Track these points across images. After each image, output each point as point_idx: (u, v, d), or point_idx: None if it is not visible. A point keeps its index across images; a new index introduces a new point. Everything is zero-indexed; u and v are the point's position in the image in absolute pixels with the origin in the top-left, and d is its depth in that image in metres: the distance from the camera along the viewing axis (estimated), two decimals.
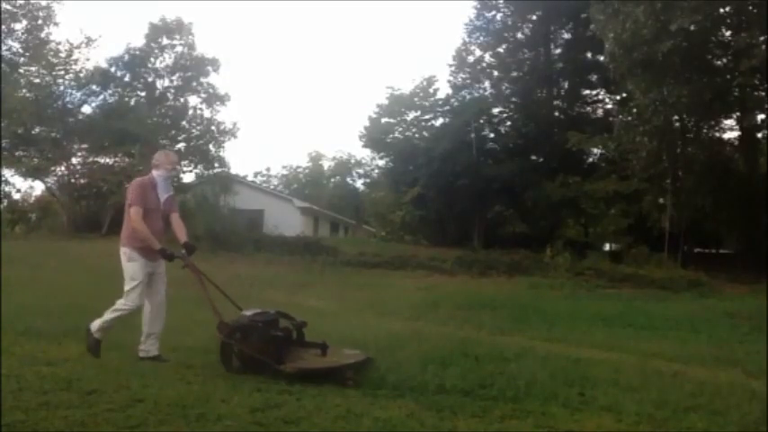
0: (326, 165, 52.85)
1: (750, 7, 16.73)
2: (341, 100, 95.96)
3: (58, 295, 8.79)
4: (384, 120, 29.53)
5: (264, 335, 4.55)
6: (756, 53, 15.74)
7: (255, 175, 50.26)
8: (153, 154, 5.37)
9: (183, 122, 30.16)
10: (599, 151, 24.85)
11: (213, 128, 30.44)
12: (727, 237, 22.82)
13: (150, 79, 29.64)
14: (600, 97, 27.18)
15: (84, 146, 27.05)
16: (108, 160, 26.39)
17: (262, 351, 4.44)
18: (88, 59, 27.79)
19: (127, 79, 29.17)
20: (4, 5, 24.87)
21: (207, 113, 30.49)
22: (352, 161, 49.95)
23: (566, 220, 26.52)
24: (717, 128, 20.42)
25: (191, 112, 30.33)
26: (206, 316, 7.57)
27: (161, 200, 5.06)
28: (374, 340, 4.91)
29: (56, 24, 26.57)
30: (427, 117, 28.88)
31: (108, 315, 4.90)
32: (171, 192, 5.21)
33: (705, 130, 19.98)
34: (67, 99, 27.24)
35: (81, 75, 26.66)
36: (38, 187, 31.07)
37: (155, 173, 5.12)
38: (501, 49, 27.70)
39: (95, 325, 4.93)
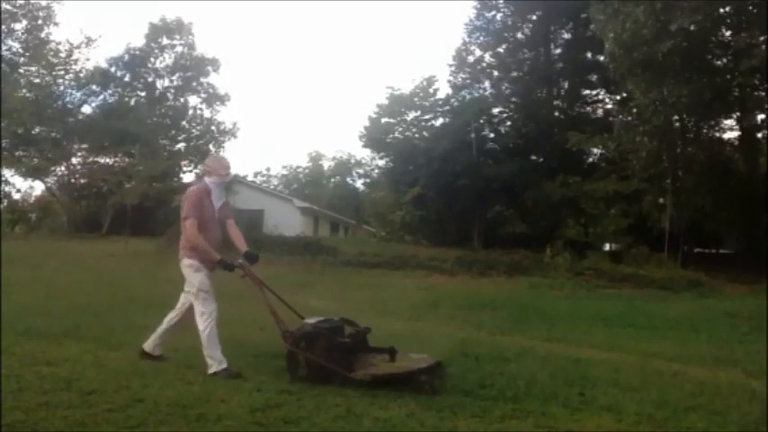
0: (326, 165, 52.91)
1: (750, 7, 16.72)
2: (341, 100, 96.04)
3: (58, 295, 8.78)
4: (384, 120, 29.52)
5: (332, 342, 4.45)
6: (756, 53, 15.73)
7: (255, 175, 50.32)
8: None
9: (183, 122, 30.19)
10: (599, 151, 24.83)
11: (213, 128, 30.49)
12: (727, 237, 22.81)
13: (150, 79, 29.67)
14: (600, 97, 27.18)
15: (84, 146, 27.11)
16: (108, 160, 26.46)
17: (330, 359, 4.35)
18: (88, 59, 27.96)
19: (127, 79, 29.21)
20: (4, 5, 24.90)
21: (207, 113, 30.58)
22: (352, 161, 49.99)
23: (566, 220, 26.52)
24: (717, 128, 20.40)
25: (191, 112, 30.39)
26: None
27: (215, 207, 4.88)
28: (374, 340, 4.90)
29: (56, 24, 26.65)
30: (427, 117, 28.88)
31: (203, 336, 4.65)
32: (224, 198, 5.04)
33: (705, 130, 19.96)
34: (67, 99, 27.34)
35: (81, 75, 26.74)
36: (38, 187, 31.19)
37: (207, 180, 4.91)
38: (501, 49, 27.69)
39: (206, 350, 4.63)
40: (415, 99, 29.16)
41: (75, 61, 26.19)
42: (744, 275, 16.06)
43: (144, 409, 3.57)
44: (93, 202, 27.00)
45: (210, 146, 30.46)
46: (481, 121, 25.70)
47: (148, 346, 4.92)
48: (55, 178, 27.03)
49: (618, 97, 22.89)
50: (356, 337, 4.72)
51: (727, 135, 20.95)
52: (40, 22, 26.21)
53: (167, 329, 4.93)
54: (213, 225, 4.81)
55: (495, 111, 27.20)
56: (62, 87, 26.71)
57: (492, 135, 26.83)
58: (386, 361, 4.55)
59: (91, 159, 27.12)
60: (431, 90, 29.21)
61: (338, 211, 39.17)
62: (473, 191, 23.56)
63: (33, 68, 25.80)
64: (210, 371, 4.54)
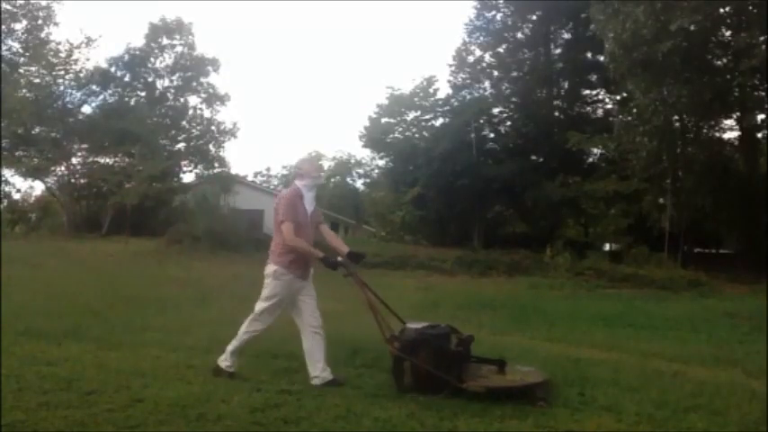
0: (326, 165, 52.89)
1: (750, 7, 16.71)
2: (341, 100, 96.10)
3: (58, 295, 8.78)
4: (384, 120, 29.52)
5: (444, 350, 4.22)
6: (756, 53, 15.73)
7: (255, 175, 50.40)
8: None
9: (183, 122, 30.21)
10: (599, 151, 24.85)
11: (213, 128, 30.50)
12: (727, 237, 22.81)
13: (150, 79, 29.68)
14: (600, 97, 27.19)
15: (84, 146, 27.10)
16: (108, 160, 26.45)
17: (441, 368, 4.11)
18: (88, 59, 27.88)
19: (127, 79, 29.21)
20: (4, 5, 24.89)
21: (207, 113, 30.59)
22: (352, 161, 50.01)
23: (566, 220, 26.52)
24: (717, 128, 20.40)
25: (191, 112, 30.40)
26: (206, 316, 7.60)
27: (309, 211, 4.68)
28: (374, 340, 4.90)
29: (56, 24, 26.60)
30: (427, 117, 28.88)
31: (239, 338, 4.56)
32: (315, 201, 4.81)
33: (705, 130, 19.96)
34: (67, 99, 27.34)
35: (81, 75, 26.73)
36: (38, 187, 31.20)
37: (299, 183, 4.71)
38: (501, 49, 27.70)
39: (227, 353, 4.55)
40: (415, 99, 29.15)
41: (75, 61, 26.20)
42: (744, 275, 16.06)
43: (144, 409, 3.57)
44: (93, 202, 26.99)
45: (210, 146, 30.50)
46: (481, 121, 25.70)
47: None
48: (55, 178, 27.03)
49: (618, 97, 22.90)
50: (464, 345, 4.44)
51: (727, 135, 20.99)
52: (40, 22, 26.19)
53: (311, 346, 4.56)
54: (307, 230, 4.63)
55: (495, 111, 27.22)
56: (62, 87, 26.73)
57: (492, 135, 26.84)
58: (494, 372, 4.33)
59: (91, 159, 27.12)
60: (431, 90, 29.22)
61: (338, 211, 39.16)
62: (473, 191, 23.56)
63: (33, 68, 25.78)
64: (218, 362, 4.55)
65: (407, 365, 4.19)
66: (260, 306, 4.59)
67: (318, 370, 4.42)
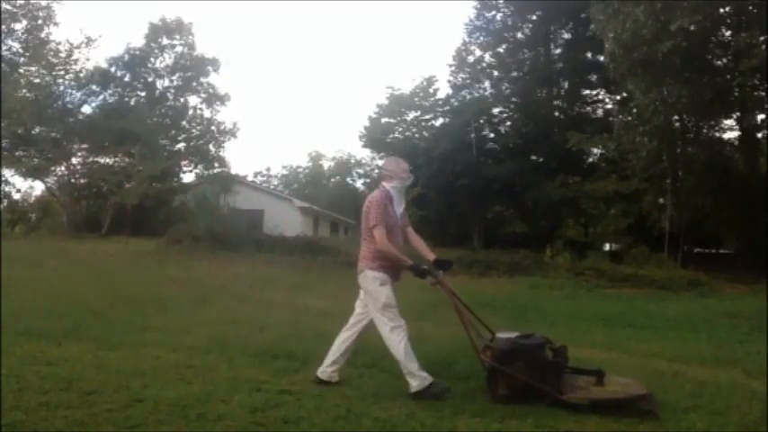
0: (326, 165, 52.86)
1: (750, 7, 16.71)
2: (341, 100, 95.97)
3: (58, 295, 8.77)
4: (384, 120, 29.53)
5: (542, 360, 4.08)
6: (756, 53, 15.73)
7: (255, 175, 50.27)
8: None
9: (183, 122, 30.23)
10: (599, 151, 24.88)
11: (213, 128, 30.54)
12: (727, 237, 22.84)
13: (150, 79, 29.70)
14: (600, 97, 27.25)
15: (84, 146, 27.12)
16: (108, 160, 26.46)
17: (540, 379, 3.98)
18: (88, 59, 27.93)
19: (127, 79, 29.24)
20: (4, 5, 24.88)
21: (207, 113, 30.63)
22: (352, 161, 49.98)
23: (566, 220, 26.55)
24: (717, 128, 20.43)
25: (191, 112, 30.44)
26: (206, 316, 7.60)
27: (398, 214, 4.52)
28: (375, 341, 4.89)
29: (56, 24, 26.59)
30: (427, 117, 28.90)
31: (398, 352, 4.22)
32: (403, 204, 4.65)
33: (705, 130, 19.97)
34: (67, 99, 27.37)
35: (81, 75, 26.75)
36: (38, 187, 31.24)
37: (388, 185, 4.56)
38: (501, 49, 27.74)
39: (405, 367, 4.19)
40: (415, 99, 29.17)
41: (75, 61, 26.22)
42: (744, 275, 16.06)
43: (144, 409, 3.57)
44: (93, 202, 27.02)
45: (210, 146, 30.52)
46: (481, 121, 25.72)
47: (324, 373, 4.38)
48: (55, 178, 27.05)
49: (618, 97, 22.91)
50: (561, 355, 4.25)
51: (727, 135, 21.03)
52: (40, 22, 26.19)
53: (344, 351, 4.45)
54: (396, 233, 4.45)
55: (495, 111, 27.26)
56: (62, 87, 26.76)
57: (492, 135, 26.86)
58: (593, 383, 4.10)
59: (91, 159, 27.14)
60: (431, 90, 29.24)
61: (338, 211, 39.14)
62: (473, 191, 23.57)
63: (33, 68, 25.79)
64: (412, 390, 4.11)
65: (502, 376, 4.04)
66: (383, 319, 4.30)
67: (327, 364, 4.37)
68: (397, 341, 4.22)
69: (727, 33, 18.12)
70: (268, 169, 55.16)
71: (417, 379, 4.11)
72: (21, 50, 26.43)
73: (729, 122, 20.40)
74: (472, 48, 28.52)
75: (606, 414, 3.83)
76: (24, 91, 24.95)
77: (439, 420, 3.63)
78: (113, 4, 63.13)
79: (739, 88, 17.92)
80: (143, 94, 29.61)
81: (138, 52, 28.90)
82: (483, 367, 4.22)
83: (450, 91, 28.79)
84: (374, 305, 4.36)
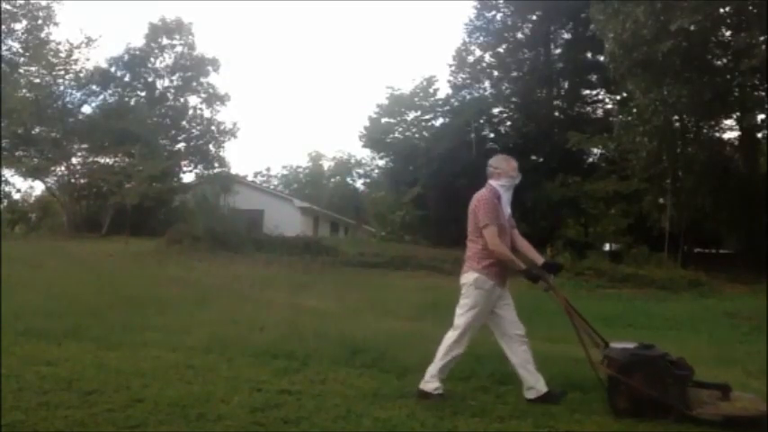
0: (326, 165, 52.93)
1: (750, 7, 16.70)
2: (341, 100, 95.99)
3: (58, 295, 8.77)
4: (384, 120, 29.49)
5: (667, 373, 3.87)
6: (756, 53, 15.72)
7: (255, 175, 50.28)
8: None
9: (183, 122, 30.21)
10: (599, 151, 24.87)
11: (213, 128, 30.51)
12: (727, 237, 22.81)
13: (150, 79, 29.68)
14: (600, 97, 27.19)
15: (84, 146, 27.11)
16: (108, 160, 26.44)
17: (666, 393, 3.81)
18: (88, 59, 27.90)
19: (127, 79, 29.22)
20: (4, 5, 24.88)
21: (207, 113, 30.60)
22: (352, 161, 49.98)
23: (566, 220, 26.51)
24: (717, 128, 20.41)
25: (191, 112, 30.41)
26: (206, 316, 7.59)
27: (507, 214, 4.40)
28: (375, 341, 4.90)
29: (56, 24, 26.56)
30: (427, 117, 28.85)
31: (442, 357, 4.14)
32: (510, 203, 4.49)
33: (705, 130, 19.96)
34: (67, 99, 27.36)
35: (81, 75, 26.74)
36: (38, 187, 31.20)
37: (495, 183, 4.48)
38: (501, 49, 27.69)
39: (431, 375, 4.09)
40: (415, 99, 29.12)
41: (75, 61, 26.19)
42: (744, 275, 16.06)
43: (144, 409, 3.57)
44: (93, 202, 27.00)
45: (210, 146, 30.52)
46: (481, 121, 25.70)
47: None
48: (55, 178, 27.03)
49: (618, 97, 22.90)
50: (685, 368, 4.05)
51: (727, 135, 21.00)
52: (40, 22, 26.18)
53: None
54: (505, 234, 4.30)
55: (495, 111, 27.22)
56: (62, 87, 26.73)
57: (492, 135, 26.83)
58: (718, 398, 3.90)
59: (91, 159, 27.11)
60: (431, 90, 29.18)
61: (338, 211, 39.16)
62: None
63: (33, 68, 25.77)
64: (422, 390, 4.04)
65: (627, 388, 3.88)
66: (461, 320, 4.19)
67: (533, 381, 4.10)
68: (449, 347, 4.13)
69: (728, 33, 18.10)
70: (268, 169, 55.24)
71: (434, 383, 4.06)
72: (21, 50, 26.43)
73: (729, 122, 20.40)
74: (472, 48, 28.49)
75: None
76: (24, 91, 24.95)
77: (439, 420, 3.63)
78: (113, 4, 63.18)
79: (739, 88, 17.93)
80: (143, 94, 29.59)
81: (137, 52, 28.89)
82: (598, 378, 4.09)
83: (450, 91, 28.75)
84: (461, 302, 4.24)
